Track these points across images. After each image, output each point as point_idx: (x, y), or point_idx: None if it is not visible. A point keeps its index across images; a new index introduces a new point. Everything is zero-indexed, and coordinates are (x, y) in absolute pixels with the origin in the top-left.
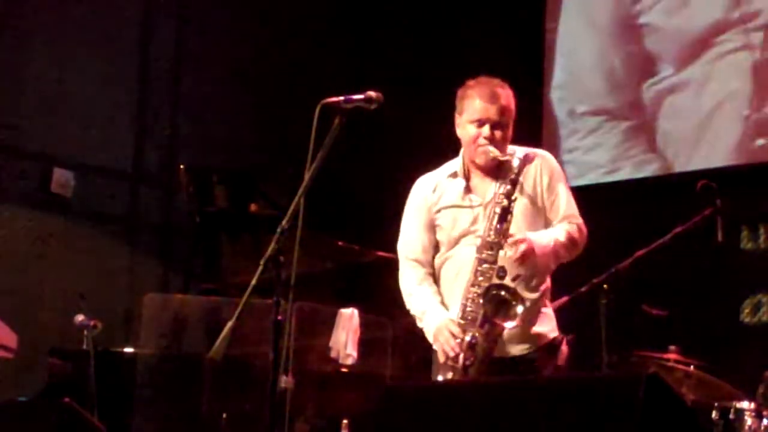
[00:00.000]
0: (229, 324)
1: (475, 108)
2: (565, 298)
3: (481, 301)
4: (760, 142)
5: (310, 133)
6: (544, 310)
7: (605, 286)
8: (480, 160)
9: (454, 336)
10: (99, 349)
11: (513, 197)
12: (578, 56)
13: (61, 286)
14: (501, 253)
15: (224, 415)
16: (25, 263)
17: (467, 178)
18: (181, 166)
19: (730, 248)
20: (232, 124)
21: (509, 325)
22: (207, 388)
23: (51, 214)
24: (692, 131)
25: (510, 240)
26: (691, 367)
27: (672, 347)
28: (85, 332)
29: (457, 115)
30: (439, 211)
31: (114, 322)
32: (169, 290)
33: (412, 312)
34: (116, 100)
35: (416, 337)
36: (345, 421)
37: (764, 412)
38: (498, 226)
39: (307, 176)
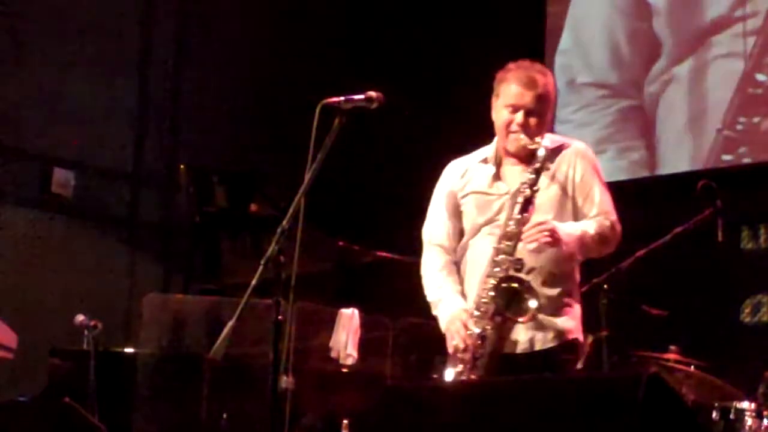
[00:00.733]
0: (230, 324)
1: (510, 93)
2: None
3: (492, 293)
4: (742, 149)
5: (310, 133)
6: (568, 307)
7: (605, 286)
8: (511, 147)
9: (465, 327)
10: (99, 349)
11: (535, 187)
12: (586, 24)
13: (61, 286)
14: (520, 245)
15: (224, 415)
16: (25, 263)
17: (498, 164)
18: (181, 166)
19: (731, 248)
20: (232, 124)
21: (520, 320)
22: (207, 388)
23: (51, 214)
24: (679, 128)
25: (531, 222)
26: (692, 367)
27: (672, 347)
28: (86, 332)
29: (493, 98)
30: (465, 196)
31: (114, 322)
32: (169, 290)
33: (428, 299)
34: (116, 100)
35: (416, 337)
36: (345, 421)
37: (764, 412)
38: (518, 216)
39: (307, 176)
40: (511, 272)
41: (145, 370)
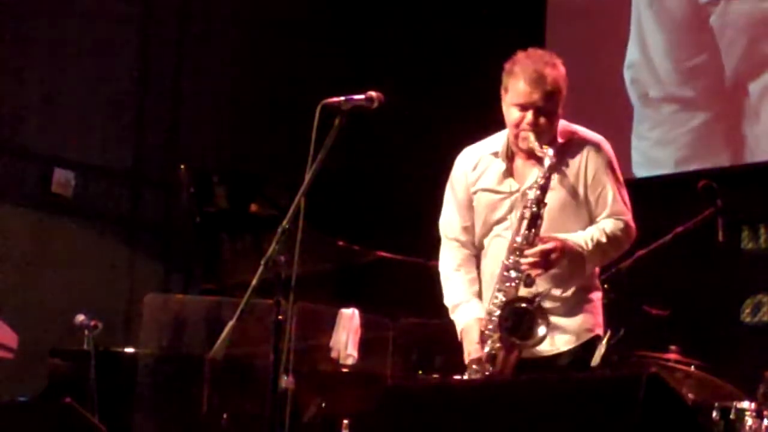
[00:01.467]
0: (230, 324)
1: (518, 91)
2: None
3: (500, 313)
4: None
5: (310, 133)
6: (586, 303)
7: (605, 286)
8: (522, 146)
9: (478, 340)
10: (99, 350)
11: (543, 203)
12: (649, 35)
13: (62, 286)
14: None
15: (225, 415)
16: (25, 263)
17: (510, 159)
18: (182, 166)
19: (731, 248)
20: (232, 124)
21: (527, 343)
22: (207, 389)
23: (51, 214)
24: None
25: (537, 248)
26: (692, 367)
27: (672, 347)
28: (86, 332)
29: (502, 91)
30: (476, 192)
31: (114, 322)
32: (169, 290)
33: (444, 302)
34: (117, 99)
35: (417, 337)
36: (345, 421)
37: (765, 412)
38: (526, 232)
39: (307, 176)
40: (522, 289)
41: (146, 370)
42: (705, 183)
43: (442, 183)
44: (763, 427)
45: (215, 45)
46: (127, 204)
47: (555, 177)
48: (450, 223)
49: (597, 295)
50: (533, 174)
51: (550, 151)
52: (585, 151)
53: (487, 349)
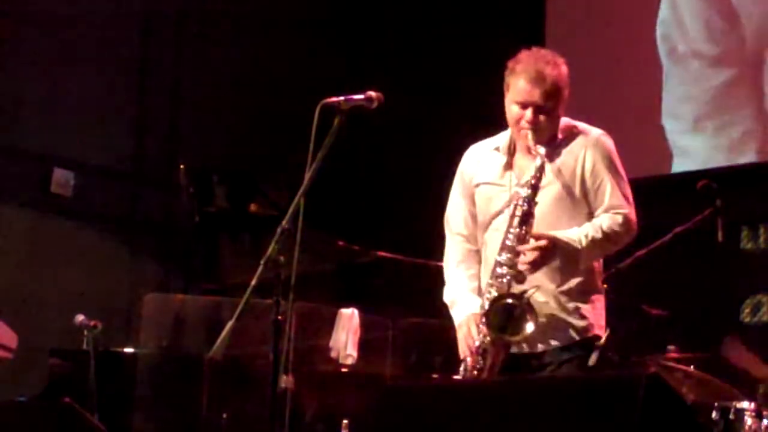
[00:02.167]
0: (230, 324)
1: (518, 89)
2: None
3: (489, 309)
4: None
5: (310, 133)
6: (584, 303)
7: (605, 286)
8: (521, 143)
9: (471, 336)
10: (99, 349)
11: (534, 201)
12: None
13: (61, 286)
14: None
15: (224, 415)
16: (25, 263)
17: (512, 154)
18: (181, 166)
19: (730, 248)
20: (232, 123)
21: (514, 340)
22: (207, 388)
23: (51, 214)
24: None
25: (529, 245)
26: (691, 367)
27: (672, 347)
28: (85, 332)
29: (504, 88)
30: (477, 185)
31: (114, 322)
32: (169, 290)
33: (443, 297)
34: (116, 99)
35: (416, 337)
36: (345, 421)
37: (764, 412)
38: (518, 230)
39: (307, 176)
40: (514, 286)
41: (145, 370)
42: (704, 183)
43: (442, 183)
44: (763, 427)
45: (215, 45)
46: (126, 204)
47: (553, 171)
48: (454, 217)
49: (598, 297)
50: (533, 169)
51: (542, 150)
52: (584, 145)
53: (477, 343)
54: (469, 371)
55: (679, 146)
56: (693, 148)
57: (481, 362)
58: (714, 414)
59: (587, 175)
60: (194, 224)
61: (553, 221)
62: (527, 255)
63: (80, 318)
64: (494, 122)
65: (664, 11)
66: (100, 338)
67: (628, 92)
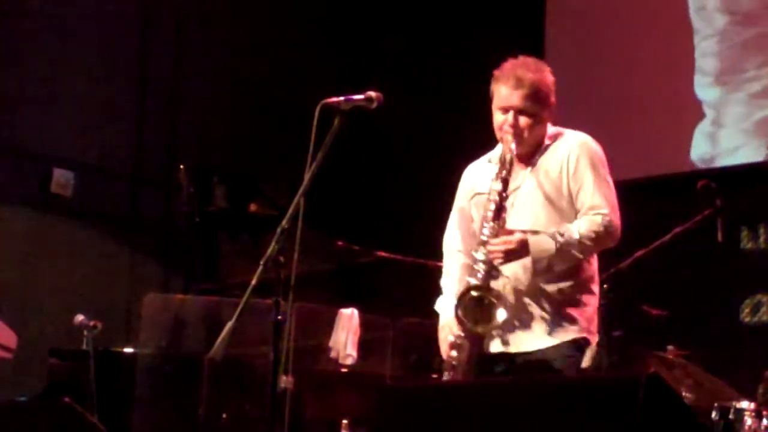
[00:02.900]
0: (229, 324)
1: (500, 95)
2: None
3: (455, 302)
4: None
5: (310, 133)
6: (573, 306)
7: (605, 286)
8: (504, 148)
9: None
10: (99, 350)
11: (505, 194)
12: None
13: (61, 286)
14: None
15: (224, 416)
16: (25, 263)
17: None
18: (181, 166)
19: (730, 248)
20: (232, 123)
21: (480, 330)
22: (207, 389)
23: (51, 214)
24: None
25: (499, 239)
26: (691, 367)
27: (671, 347)
28: (85, 332)
29: (491, 99)
30: (472, 197)
31: (114, 322)
32: (169, 290)
33: (435, 306)
34: (116, 99)
35: (416, 337)
36: (345, 421)
37: (764, 412)
38: (492, 224)
39: (306, 176)
40: (482, 280)
41: (145, 370)
42: (704, 183)
43: (442, 183)
44: (763, 427)
45: (214, 45)
46: (126, 204)
47: (540, 175)
48: (450, 236)
49: (590, 299)
50: (523, 175)
51: (513, 146)
52: (569, 148)
53: (451, 338)
54: (447, 369)
55: (704, 100)
56: (714, 101)
57: (456, 356)
58: (713, 414)
59: (571, 174)
60: (194, 224)
61: (539, 225)
62: (495, 247)
63: (80, 318)
64: (492, 124)
65: None
66: (99, 338)
67: (629, 94)
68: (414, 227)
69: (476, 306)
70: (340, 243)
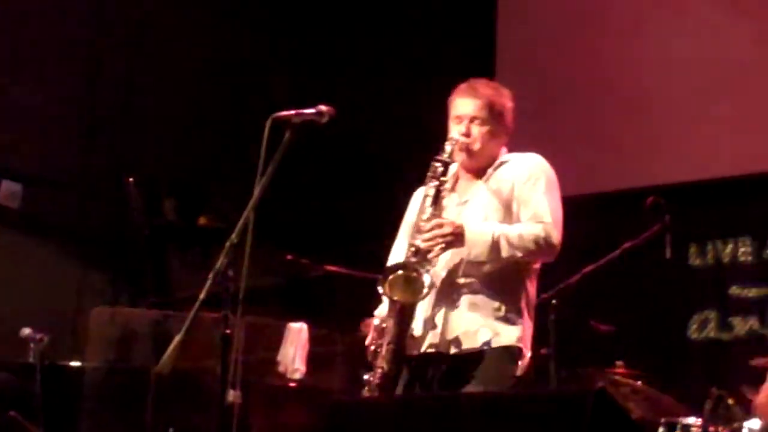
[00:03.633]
0: (178, 338)
1: (454, 105)
2: None
3: (381, 278)
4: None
5: (260, 146)
6: (507, 322)
7: (554, 301)
8: (458, 158)
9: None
10: (45, 363)
11: (444, 179)
12: None
13: (8, 299)
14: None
15: (171, 430)
16: None
17: (456, 177)
18: (130, 179)
19: (678, 264)
20: (182, 135)
21: (414, 300)
22: (154, 402)
23: None
24: None
25: (432, 222)
26: (639, 382)
27: (619, 362)
28: (32, 345)
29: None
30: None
31: (61, 335)
32: (117, 303)
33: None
34: (65, 110)
35: (365, 351)
36: None
37: (711, 428)
38: (430, 208)
39: (256, 190)
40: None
41: (92, 384)
42: (653, 199)
43: (393, 197)
44: None
45: (166, 56)
46: (74, 216)
47: (491, 190)
48: (399, 247)
49: (525, 323)
50: (475, 187)
51: (452, 142)
52: (521, 167)
53: (377, 321)
54: (369, 355)
55: None
56: None
57: (381, 345)
58: (661, 430)
59: (520, 190)
60: (143, 237)
61: None
62: (427, 234)
63: (27, 331)
64: (444, 135)
65: None
66: (46, 351)
67: (578, 109)
68: (363, 241)
69: (403, 282)
70: (289, 257)
